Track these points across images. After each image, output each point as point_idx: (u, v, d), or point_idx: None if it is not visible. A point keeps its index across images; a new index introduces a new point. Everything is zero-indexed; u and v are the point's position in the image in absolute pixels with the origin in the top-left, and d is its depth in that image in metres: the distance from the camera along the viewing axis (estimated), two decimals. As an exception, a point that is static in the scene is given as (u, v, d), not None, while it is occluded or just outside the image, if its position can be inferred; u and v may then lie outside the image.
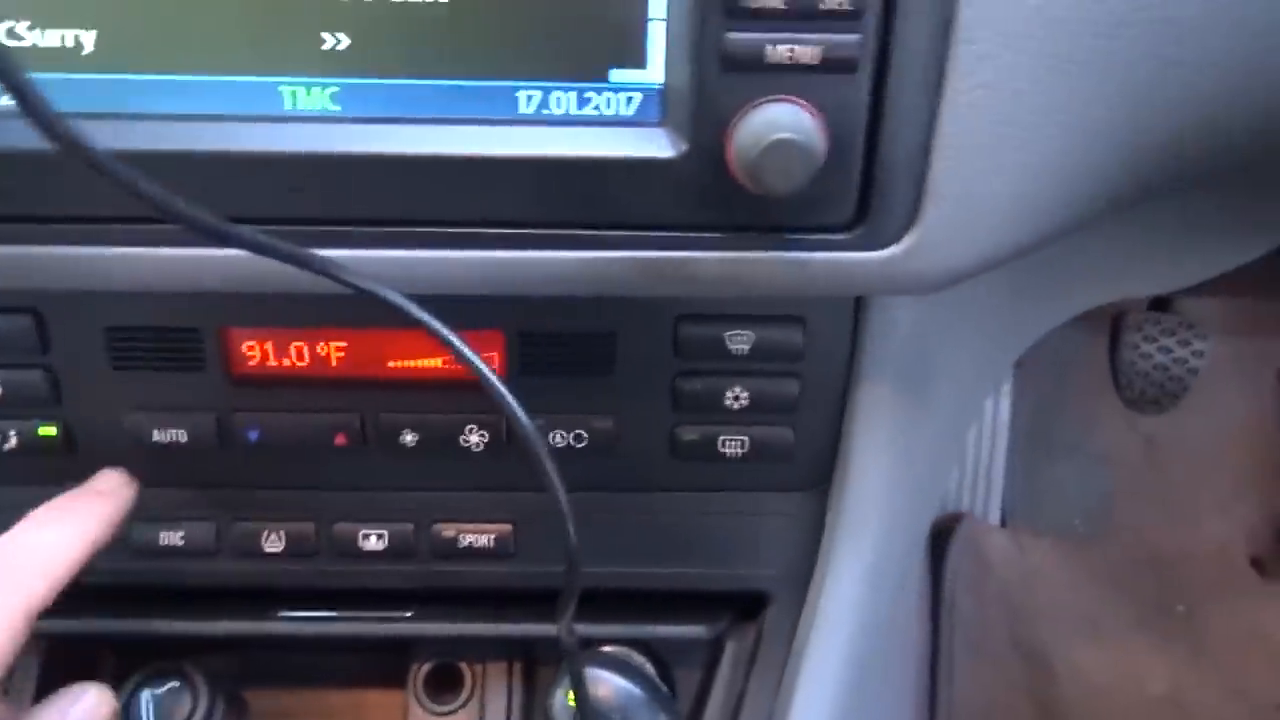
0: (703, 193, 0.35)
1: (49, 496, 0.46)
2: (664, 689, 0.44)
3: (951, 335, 0.47)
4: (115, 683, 0.46)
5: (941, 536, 1.19)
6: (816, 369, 0.44)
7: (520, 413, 0.33)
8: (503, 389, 0.33)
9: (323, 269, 0.31)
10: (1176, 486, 1.26)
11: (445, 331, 0.32)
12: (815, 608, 0.46)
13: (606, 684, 0.41)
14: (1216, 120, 0.35)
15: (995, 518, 1.24)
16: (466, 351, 0.33)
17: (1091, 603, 1.18)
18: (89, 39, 0.34)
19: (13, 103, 0.33)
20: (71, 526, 0.40)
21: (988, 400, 1.24)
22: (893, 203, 0.35)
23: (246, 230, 0.30)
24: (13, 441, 0.44)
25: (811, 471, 0.46)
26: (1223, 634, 1.17)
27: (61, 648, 0.49)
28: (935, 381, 0.47)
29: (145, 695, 0.46)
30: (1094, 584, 1.20)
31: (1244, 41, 0.33)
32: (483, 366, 0.33)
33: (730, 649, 0.49)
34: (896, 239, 0.36)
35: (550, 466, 0.34)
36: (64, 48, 0.34)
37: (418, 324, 0.32)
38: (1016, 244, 0.36)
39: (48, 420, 0.44)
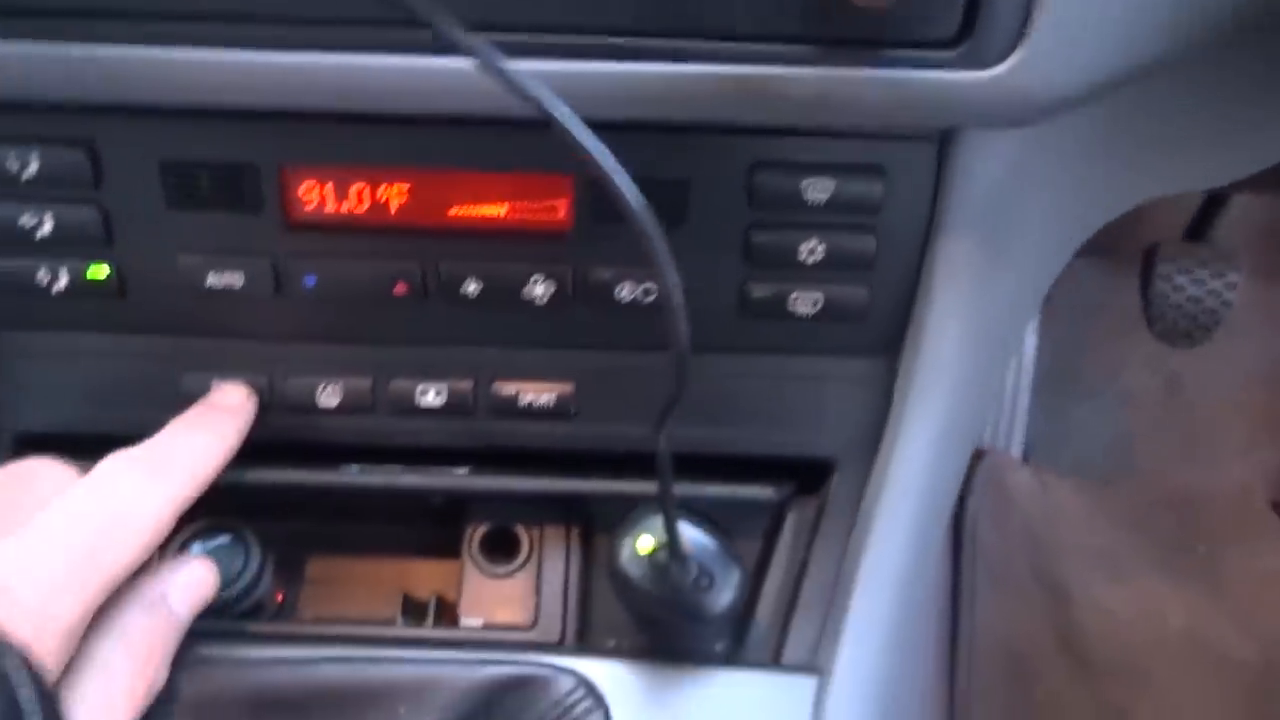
0: (799, 1, 0.33)
1: (99, 343, 0.46)
2: (733, 547, 0.43)
3: (1032, 196, 0.45)
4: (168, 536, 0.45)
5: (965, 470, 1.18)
6: (895, 224, 0.42)
7: (641, 208, 0.31)
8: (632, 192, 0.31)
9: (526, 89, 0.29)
10: (1199, 429, 1.26)
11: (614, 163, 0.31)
12: (884, 474, 0.45)
13: (681, 532, 0.40)
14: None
15: (1018, 454, 1.24)
16: (632, 195, 0.31)
17: (1112, 541, 1.18)
18: None
19: None
20: (212, 434, 0.43)
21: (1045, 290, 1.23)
22: (1000, 17, 0.34)
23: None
24: (63, 282, 0.43)
25: (884, 334, 0.45)
26: (1242, 574, 1.17)
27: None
28: (1013, 245, 0.46)
29: (196, 548, 0.45)
30: (1115, 523, 1.20)
31: None
32: (644, 214, 0.31)
33: (793, 516, 0.48)
34: (1003, 57, 0.34)
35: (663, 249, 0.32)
36: None
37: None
38: (1129, 65, 0.35)
39: (98, 260, 0.43)
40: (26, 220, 0.42)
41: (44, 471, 0.40)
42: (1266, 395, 1.26)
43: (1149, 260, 1.09)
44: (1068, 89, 0.35)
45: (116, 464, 0.39)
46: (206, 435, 0.42)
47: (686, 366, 0.33)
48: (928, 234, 0.43)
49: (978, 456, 1.20)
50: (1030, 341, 1.24)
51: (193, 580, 0.41)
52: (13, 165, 0.41)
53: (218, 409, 0.44)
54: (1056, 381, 1.26)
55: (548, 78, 0.35)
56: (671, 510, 0.38)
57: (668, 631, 0.43)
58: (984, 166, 0.42)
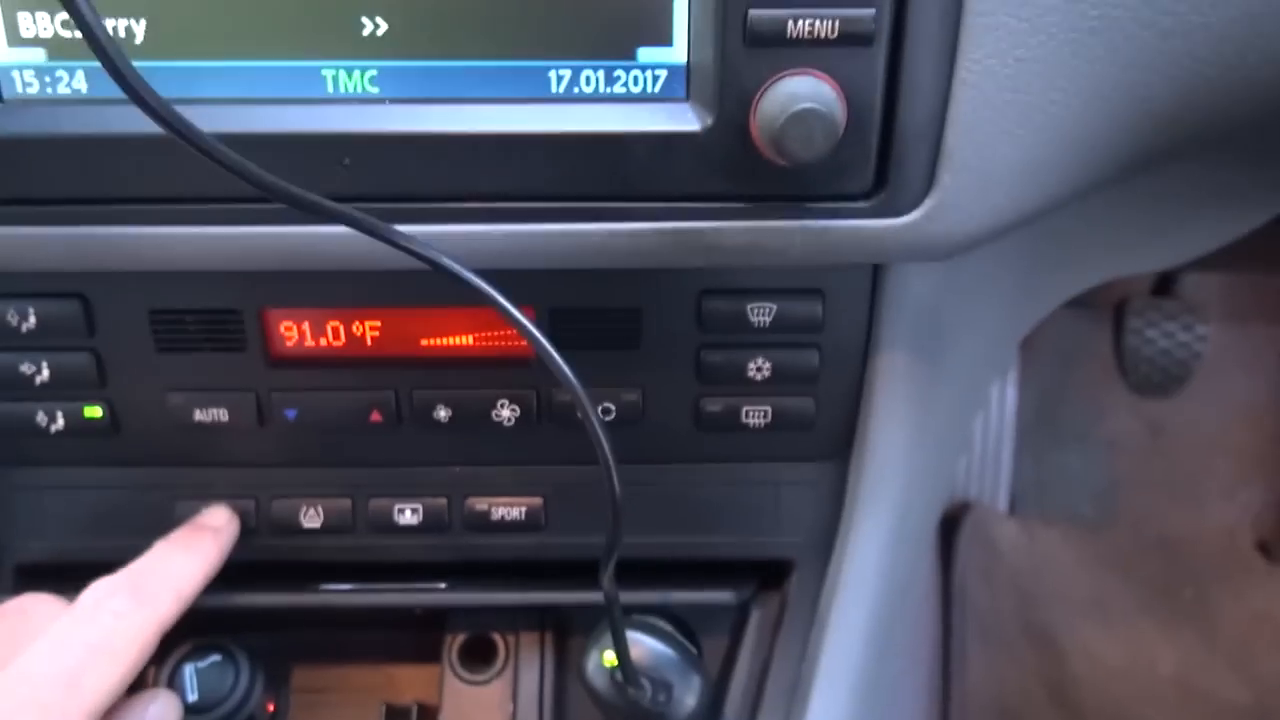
0: (727, 164, 0.37)
1: (95, 476, 0.48)
2: (694, 652, 0.45)
3: (966, 307, 0.48)
4: (159, 657, 0.48)
5: (950, 525, 1.20)
6: (836, 340, 0.45)
7: (565, 369, 0.35)
8: (551, 350, 0.35)
9: (414, 250, 0.33)
10: (1182, 472, 1.28)
11: (509, 306, 0.34)
12: (839, 573, 0.48)
13: (640, 645, 0.42)
14: (1214, 86, 0.36)
15: (1003, 505, 1.26)
16: (527, 324, 0.34)
17: (1100, 588, 1.20)
18: (140, 29, 0.36)
19: (82, 90, 0.35)
20: (196, 556, 0.44)
21: (994, 389, 1.26)
22: (910, 170, 0.37)
23: (350, 210, 0.31)
24: (60, 422, 0.46)
25: (832, 441, 0.48)
26: (1230, 616, 1.18)
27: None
28: (950, 352, 0.49)
29: (188, 669, 0.48)
30: (1102, 569, 1.22)
31: (1237, 9, 0.35)
32: (541, 338, 0.34)
33: (756, 615, 0.50)
34: (914, 205, 0.37)
35: (594, 416, 0.35)
36: (116, 38, 0.36)
37: (490, 305, 0.34)
38: (1028, 207, 0.38)
39: (94, 402, 0.46)
40: (26, 368, 0.45)
41: (38, 608, 0.42)
42: (1247, 436, 1.28)
43: (1119, 315, 1.12)
44: (977, 230, 0.38)
45: (99, 591, 0.41)
46: (189, 556, 0.44)
47: (620, 516, 0.36)
48: (867, 348, 0.46)
49: (964, 510, 1.22)
50: (1011, 393, 1.26)
51: (164, 713, 0.43)
52: (12, 319, 0.44)
53: (202, 529, 0.46)
54: (1040, 431, 1.28)
55: (509, 239, 0.39)
56: (623, 643, 0.40)
57: (637, 732, 0.45)
58: (916, 286, 0.45)
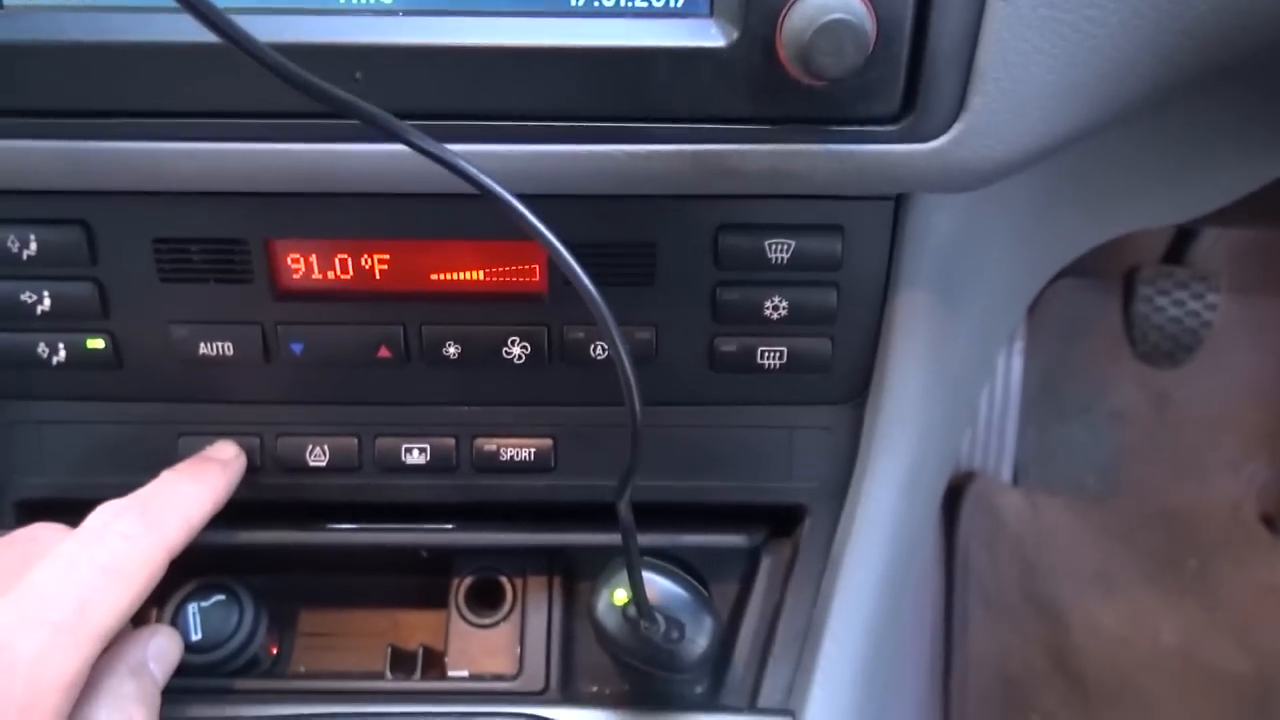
0: (752, 83, 0.35)
1: (97, 411, 0.47)
2: (706, 596, 0.44)
3: (987, 247, 0.47)
4: (161, 595, 0.47)
5: (955, 494, 1.20)
6: (854, 279, 0.44)
7: (605, 308, 0.34)
8: (593, 291, 0.33)
9: (473, 175, 0.32)
10: (1188, 444, 1.27)
11: (551, 237, 0.33)
12: (853, 518, 0.47)
13: (654, 584, 0.41)
14: (1256, 5, 0.35)
15: (1008, 476, 1.25)
16: (566, 254, 0.33)
17: (1104, 558, 1.19)
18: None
19: None
20: (203, 484, 0.44)
21: (1000, 360, 1.25)
22: (940, 92, 0.36)
23: (406, 126, 0.30)
24: (62, 354, 0.45)
25: (848, 384, 0.47)
26: (1233, 587, 1.18)
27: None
28: (970, 294, 0.48)
29: (191, 608, 0.47)
30: (1106, 540, 1.21)
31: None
32: (576, 266, 0.33)
33: (767, 561, 0.49)
34: (944, 130, 0.36)
35: (616, 334, 0.34)
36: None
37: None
38: (1061, 132, 0.37)
39: (96, 333, 0.45)
40: (26, 296, 0.44)
41: (44, 535, 0.41)
42: (1254, 410, 1.28)
43: (1129, 283, 1.11)
44: (1006, 157, 0.37)
45: (105, 515, 0.40)
46: (197, 485, 0.44)
47: (639, 437, 0.35)
48: (886, 288, 0.45)
49: (968, 479, 1.22)
50: (1017, 364, 1.25)
51: (167, 648, 0.42)
52: (12, 245, 0.43)
53: (209, 461, 0.46)
54: (1045, 402, 1.27)
55: (524, 160, 0.37)
56: (638, 573, 0.39)
57: (647, 677, 0.44)
58: (937, 223, 0.44)
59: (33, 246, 0.43)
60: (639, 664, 0.42)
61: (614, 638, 0.42)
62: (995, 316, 0.54)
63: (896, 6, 0.34)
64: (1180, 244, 1.11)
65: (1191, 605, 1.16)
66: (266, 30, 0.35)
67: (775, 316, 0.44)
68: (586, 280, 0.33)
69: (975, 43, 0.35)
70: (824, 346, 0.45)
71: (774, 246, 0.43)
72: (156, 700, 0.40)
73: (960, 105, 0.36)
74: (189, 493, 0.43)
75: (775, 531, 0.50)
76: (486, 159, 0.37)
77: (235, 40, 0.28)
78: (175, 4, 0.28)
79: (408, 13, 0.36)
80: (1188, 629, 1.14)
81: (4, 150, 0.37)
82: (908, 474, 0.48)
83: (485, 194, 0.32)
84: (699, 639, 0.42)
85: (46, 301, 0.44)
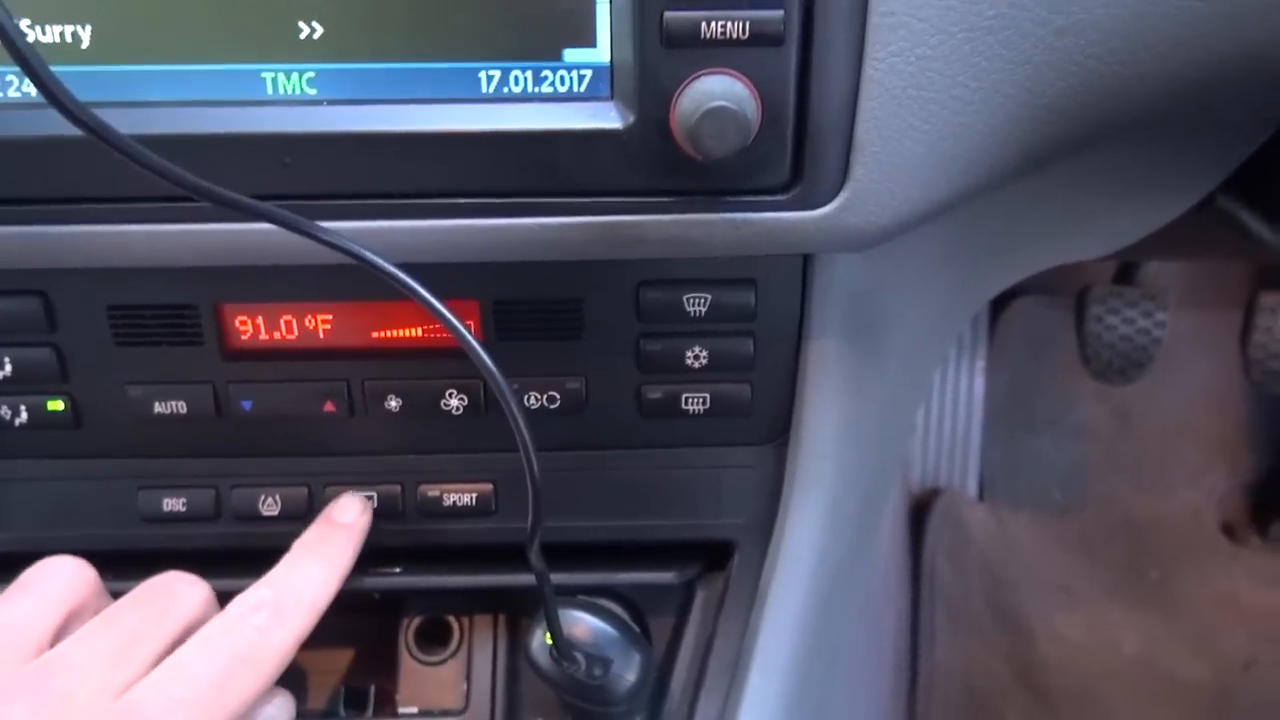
0: (650, 160, 0.38)
1: (58, 469, 0.50)
2: (636, 630, 0.47)
3: (901, 293, 0.50)
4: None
5: (921, 509, 1.22)
6: (770, 327, 0.47)
7: (487, 359, 0.37)
8: (474, 343, 0.36)
9: (337, 244, 0.35)
10: (1149, 457, 1.30)
11: (432, 300, 0.36)
12: (776, 554, 0.50)
13: (583, 624, 0.44)
14: (1107, 82, 0.38)
15: (973, 490, 1.28)
16: (449, 316, 0.36)
17: (1067, 571, 1.22)
18: (86, 34, 0.38)
19: (31, 94, 0.37)
20: (329, 564, 0.46)
21: (962, 377, 1.28)
22: (823, 164, 0.39)
23: (271, 206, 0.33)
24: (24, 416, 0.47)
25: (770, 426, 0.50)
26: (1194, 597, 1.21)
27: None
28: (887, 337, 0.51)
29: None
30: (1070, 552, 1.24)
31: (1126, 8, 0.37)
32: (462, 329, 0.36)
33: (700, 595, 0.52)
34: (830, 198, 0.39)
35: (512, 401, 0.37)
36: (64, 43, 0.37)
37: (409, 295, 0.36)
38: (938, 198, 0.40)
39: (55, 396, 0.47)
40: None
41: (184, 590, 0.44)
42: (1212, 422, 1.31)
43: (1081, 303, 1.14)
44: (890, 222, 0.40)
45: (246, 605, 0.43)
46: (322, 568, 0.46)
47: (539, 489, 0.38)
48: (799, 334, 0.48)
49: (934, 495, 1.24)
50: (979, 381, 1.28)
51: (278, 713, 0.44)
52: None
53: (335, 528, 0.48)
54: (1009, 418, 1.30)
55: (445, 234, 0.40)
56: (554, 614, 0.42)
57: (586, 711, 0.47)
58: (842, 276, 0.47)
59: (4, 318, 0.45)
60: (573, 699, 0.45)
61: (547, 674, 0.44)
62: (918, 352, 0.57)
63: (778, 90, 0.37)
64: (1129, 263, 1.14)
65: (1153, 615, 1.19)
66: (206, 122, 0.38)
67: (697, 365, 0.47)
68: (471, 340, 0.37)
69: (853, 120, 0.38)
70: (744, 392, 0.48)
71: (692, 300, 0.46)
72: None
73: (844, 176, 0.39)
74: (316, 579, 0.45)
75: (708, 567, 0.53)
76: (408, 233, 0.40)
77: (100, 136, 0.31)
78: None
79: (331, 102, 0.39)
80: (1149, 639, 1.16)
81: None
82: (828, 508, 0.50)
83: (362, 264, 0.35)
84: (626, 674, 0.44)
85: (8, 367, 0.46)
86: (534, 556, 0.40)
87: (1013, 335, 1.29)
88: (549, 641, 0.44)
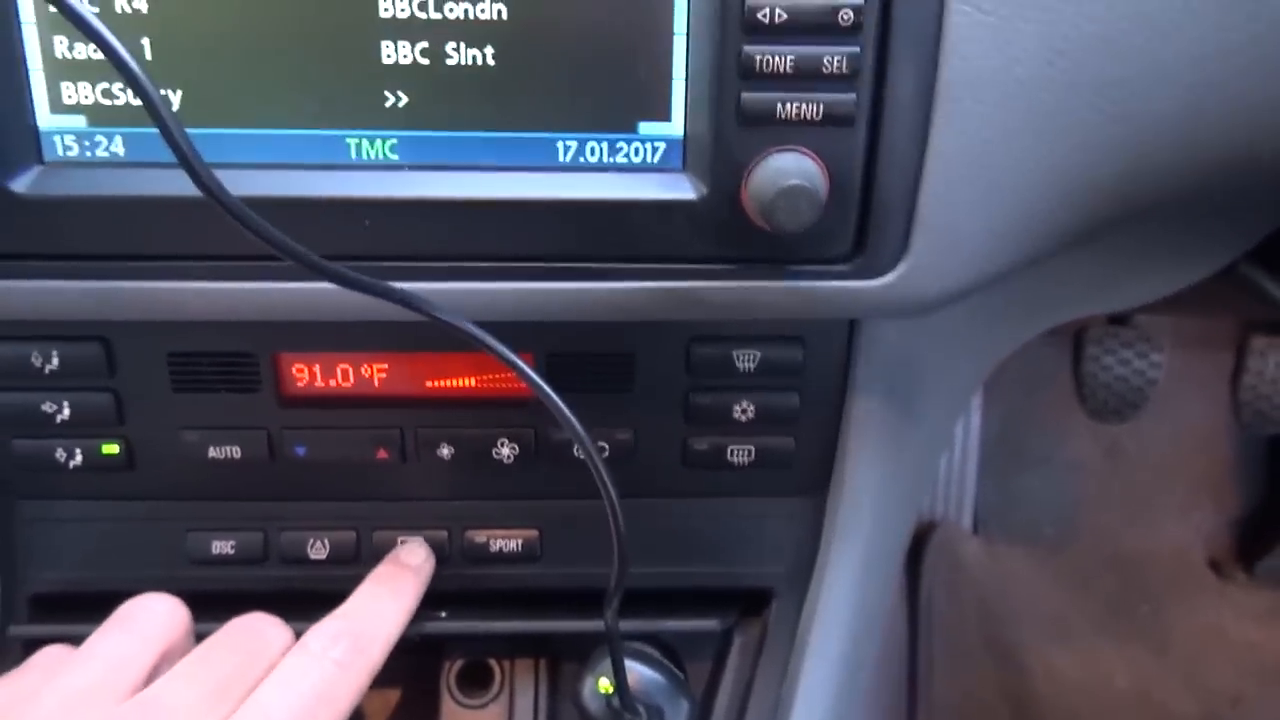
0: (720, 230, 0.40)
1: (109, 510, 0.50)
2: (682, 677, 0.48)
3: (934, 352, 0.52)
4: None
5: (918, 543, 1.24)
6: (815, 384, 0.49)
7: (572, 418, 0.38)
8: (556, 399, 0.38)
9: (412, 304, 0.36)
10: (1139, 493, 1.33)
11: (509, 353, 0.37)
12: (815, 601, 0.51)
13: (633, 672, 0.45)
14: (1156, 166, 0.40)
15: (968, 525, 1.30)
16: (526, 368, 0.37)
17: (1060, 605, 1.24)
18: (176, 99, 0.39)
19: (120, 154, 0.38)
20: (399, 601, 0.47)
21: (959, 415, 1.30)
22: (886, 237, 0.40)
23: (350, 271, 0.34)
24: (79, 459, 0.48)
25: (811, 477, 0.51)
26: (1183, 632, 1.23)
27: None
28: (920, 394, 0.52)
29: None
30: (1062, 586, 1.26)
31: (1178, 97, 0.39)
32: (541, 382, 0.37)
33: (738, 641, 0.53)
34: (890, 268, 0.41)
35: (598, 460, 0.38)
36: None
37: (483, 349, 0.37)
38: (993, 270, 0.42)
39: (111, 439, 0.48)
40: (47, 407, 0.47)
41: (272, 634, 0.44)
42: (1201, 459, 1.34)
43: (1078, 343, 1.17)
44: (946, 291, 0.42)
45: (323, 638, 0.43)
46: (396, 601, 0.47)
47: (626, 556, 0.39)
48: (843, 391, 0.49)
49: (931, 530, 1.26)
50: (975, 419, 1.31)
51: None
52: (36, 360, 0.46)
53: (404, 569, 0.49)
54: (1004, 454, 1.33)
55: (515, 296, 0.42)
56: (622, 674, 0.43)
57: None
58: (888, 336, 0.48)
59: (55, 361, 0.46)
60: (620, 745, 0.46)
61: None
62: (945, 407, 0.59)
63: (847, 168, 0.38)
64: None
65: (1143, 649, 1.21)
66: (292, 185, 0.39)
67: (743, 419, 0.49)
68: (550, 392, 0.38)
69: (916, 196, 0.39)
70: (788, 444, 0.50)
71: (741, 356, 0.48)
72: None
73: (904, 248, 0.40)
74: (390, 614, 0.46)
75: (746, 613, 0.54)
76: (483, 294, 0.41)
77: (217, 198, 0.32)
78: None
79: (413, 168, 0.40)
80: (1140, 672, 1.19)
81: (37, 290, 0.41)
82: (864, 557, 0.52)
83: (433, 320, 0.36)
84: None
85: (66, 411, 0.47)
86: (611, 615, 0.41)
87: (1009, 374, 1.32)
88: (601, 690, 0.45)
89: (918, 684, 1.12)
